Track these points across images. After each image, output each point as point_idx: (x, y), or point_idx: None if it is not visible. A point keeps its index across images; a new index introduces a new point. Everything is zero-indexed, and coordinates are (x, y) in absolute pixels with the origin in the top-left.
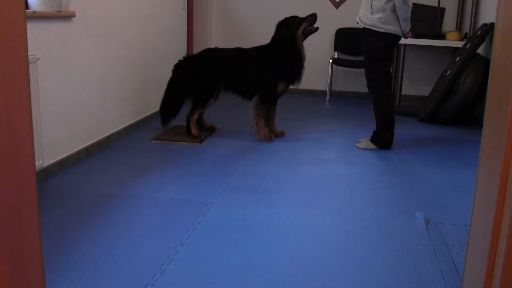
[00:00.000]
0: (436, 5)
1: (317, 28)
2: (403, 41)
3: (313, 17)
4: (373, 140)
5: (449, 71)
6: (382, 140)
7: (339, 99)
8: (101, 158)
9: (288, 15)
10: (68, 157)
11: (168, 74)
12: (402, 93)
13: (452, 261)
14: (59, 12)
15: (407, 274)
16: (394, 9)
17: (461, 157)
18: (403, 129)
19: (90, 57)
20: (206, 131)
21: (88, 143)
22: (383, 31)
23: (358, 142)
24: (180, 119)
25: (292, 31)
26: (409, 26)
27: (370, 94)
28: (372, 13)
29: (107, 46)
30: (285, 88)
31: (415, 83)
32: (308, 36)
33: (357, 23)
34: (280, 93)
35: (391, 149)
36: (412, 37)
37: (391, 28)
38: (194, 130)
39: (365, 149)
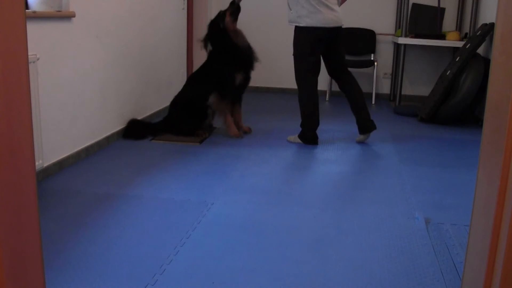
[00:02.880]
0: (436, 5)
1: (238, 6)
2: (403, 41)
3: (232, 3)
4: (299, 134)
5: (449, 71)
6: (305, 135)
7: (339, 99)
8: (101, 158)
9: (287, 16)
10: (68, 157)
11: (168, 74)
12: (402, 93)
13: (452, 261)
14: (59, 12)
15: (407, 274)
16: (306, 2)
17: (461, 157)
18: (403, 129)
19: (90, 57)
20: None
21: (88, 143)
22: (301, 25)
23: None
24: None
25: (219, 23)
26: (294, 13)
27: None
28: (290, 8)
29: (107, 46)
30: (243, 78)
31: (415, 83)
32: (237, 15)
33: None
34: (240, 85)
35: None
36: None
37: (308, 20)
38: (198, 131)
39: (291, 142)
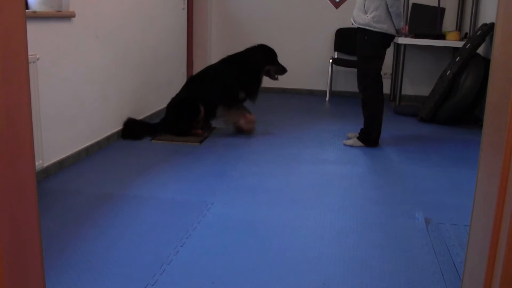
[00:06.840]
0: (436, 5)
1: (276, 78)
2: (403, 41)
3: (283, 71)
4: (360, 137)
5: (449, 71)
6: (369, 138)
7: (339, 99)
8: (101, 158)
9: (287, 16)
10: (68, 157)
11: (168, 74)
12: (402, 93)
13: (452, 261)
14: (59, 12)
15: (407, 274)
16: (387, 8)
17: (461, 157)
18: (403, 129)
19: (90, 57)
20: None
21: (88, 143)
22: (376, 30)
23: (347, 139)
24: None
25: (263, 63)
26: (402, 22)
27: (360, 93)
28: (365, 12)
29: (107, 46)
30: (245, 97)
31: (415, 83)
32: (266, 75)
33: (352, 24)
34: (241, 100)
35: (379, 147)
36: (407, 32)
37: (384, 26)
38: (197, 131)
39: (351, 146)
